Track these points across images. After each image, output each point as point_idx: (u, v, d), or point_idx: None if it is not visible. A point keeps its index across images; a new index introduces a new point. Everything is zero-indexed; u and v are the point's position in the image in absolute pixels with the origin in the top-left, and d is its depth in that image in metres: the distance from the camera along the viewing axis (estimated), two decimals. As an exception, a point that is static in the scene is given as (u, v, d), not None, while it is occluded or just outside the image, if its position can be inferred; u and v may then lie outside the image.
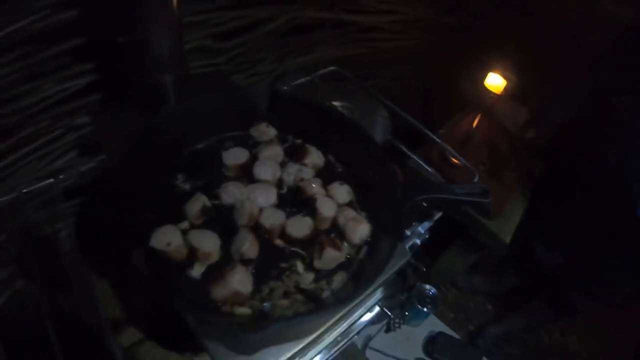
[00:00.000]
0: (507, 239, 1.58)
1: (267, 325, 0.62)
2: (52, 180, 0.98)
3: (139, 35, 0.92)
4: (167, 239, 0.73)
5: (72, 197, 1.30)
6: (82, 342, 1.03)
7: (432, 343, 1.86)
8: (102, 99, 1.20)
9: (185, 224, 0.80)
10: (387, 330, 1.80)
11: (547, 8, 1.84)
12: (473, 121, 1.81)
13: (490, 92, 1.81)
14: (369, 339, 1.76)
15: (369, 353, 1.74)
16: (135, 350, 1.30)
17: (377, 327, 1.71)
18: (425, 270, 1.38)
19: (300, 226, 0.78)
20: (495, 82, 1.81)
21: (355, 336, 0.95)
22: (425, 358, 1.85)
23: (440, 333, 1.89)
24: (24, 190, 0.96)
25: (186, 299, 0.70)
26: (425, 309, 1.74)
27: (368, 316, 0.89)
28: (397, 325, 1.79)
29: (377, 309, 0.91)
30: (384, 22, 1.83)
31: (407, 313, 1.73)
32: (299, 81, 1.30)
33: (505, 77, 1.79)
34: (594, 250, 1.63)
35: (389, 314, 1.01)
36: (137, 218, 0.77)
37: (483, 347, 1.91)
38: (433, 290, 1.78)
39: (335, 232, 0.82)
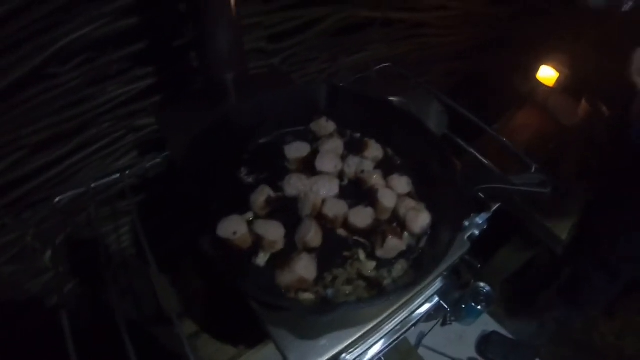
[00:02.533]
0: (564, 236, 1.53)
1: (333, 309, 0.65)
2: (118, 175, 1.05)
3: (202, 37, 0.97)
4: (234, 228, 0.77)
5: (137, 193, 1.39)
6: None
7: (485, 342, 1.83)
8: (161, 101, 1.27)
9: (249, 215, 0.84)
10: (443, 323, 1.78)
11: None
12: (527, 116, 1.77)
13: (542, 85, 1.77)
14: (422, 336, 1.75)
15: (421, 351, 1.74)
16: (192, 342, 1.36)
17: (430, 324, 1.71)
18: (480, 268, 1.36)
19: (362, 216, 0.81)
20: (547, 74, 1.77)
21: (413, 327, 0.96)
22: (478, 357, 1.82)
23: (494, 332, 1.86)
24: (93, 185, 1.03)
25: (254, 284, 0.74)
26: (479, 307, 1.72)
27: (427, 306, 0.90)
28: (452, 320, 1.78)
29: (435, 299, 0.92)
30: (433, 18, 1.82)
31: (462, 309, 1.71)
32: (354, 78, 1.33)
33: (557, 70, 1.75)
34: None
35: (446, 306, 1.02)
36: (203, 209, 0.82)
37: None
38: (487, 288, 1.76)
39: (396, 222, 0.84)
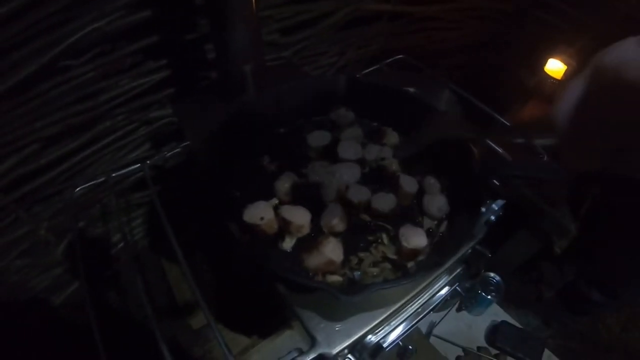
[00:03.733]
0: (571, 227, 1.55)
1: (362, 289, 0.67)
2: (138, 165, 1.05)
3: (222, 29, 0.98)
4: (261, 213, 0.79)
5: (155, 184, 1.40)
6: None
7: (494, 332, 1.85)
8: (176, 93, 1.28)
9: (274, 201, 0.86)
10: (459, 309, 1.79)
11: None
12: (535, 108, 1.79)
13: (550, 77, 1.78)
14: (433, 325, 1.77)
15: (432, 340, 1.75)
16: (205, 332, 1.37)
17: (441, 314, 1.72)
18: (490, 257, 1.37)
19: (385, 201, 0.83)
20: (555, 67, 1.79)
21: (431, 312, 0.98)
22: (488, 347, 1.84)
23: (503, 322, 1.87)
24: (113, 174, 1.04)
25: (283, 266, 0.76)
26: (489, 297, 1.73)
27: (446, 289, 0.92)
28: (465, 307, 1.79)
29: (456, 283, 0.94)
30: (441, 11, 1.84)
31: (472, 298, 1.73)
32: (367, 70, 1.35)
33: (565, 63, 1.76)
34: None
35: (461, 292, 1.04)
36: (228, 197, 0.84)
37: None
38: (497, 278, 1.77)
39: (416, 208, 0.86)
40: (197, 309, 1.47)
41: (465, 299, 1.78)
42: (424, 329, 1.74)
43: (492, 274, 1.78)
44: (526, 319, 1.95)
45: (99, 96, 1.14)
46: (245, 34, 0.99)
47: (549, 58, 1.77)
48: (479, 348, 1.82)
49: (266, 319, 1.12)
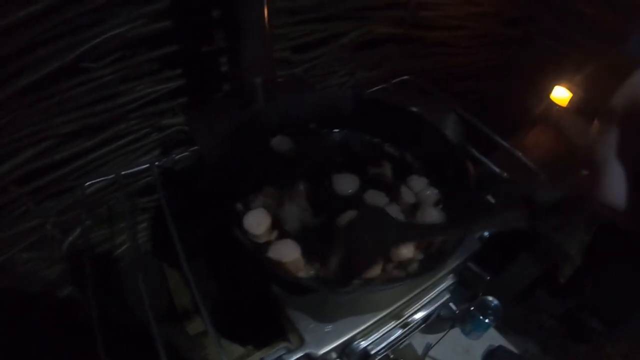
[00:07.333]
0: (572, 252, 1.56)
1: (350, 291, 0.70)
2: (147, 165, 1.10)
3: (236, 44, 1.03)
4: (259, 221, 0.82)
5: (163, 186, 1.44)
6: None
7: (491, 357, 1.84)
8: (189, 102, 1.33)
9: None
10: (452, 326, 1.79)
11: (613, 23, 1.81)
12: (539, 134, 1.82)
13: (556, 105, 1.81)
14: (429, 347, 1.76)
15: (427, 362, 1.75)
16: (200, 340, 1.39)
17: (438, 336, 1.72)
18: (489, 281, 1.38)
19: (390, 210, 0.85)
20: (561, 95, 1.81)
21: (423, 326, 1.00)
22: (484, 372, 1.83)
23: (500, 347, 1.86)
24: (123, 173, 1.09)
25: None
26: (486, 320, 1.73)
27: (437, 303, 0.94)
28: (461, 327, 1.79)
29: (447, 296, 0.96)
30: (452, 37, 1.89)
31: (469, 321, 1.73)
32: (373, 89, 1.39)
33: (571, 91, 1.79)
34: None
35: (455, 308, 1.05)
36: (229, 206, 0.87)
37: None
38: (496, 302, 1.77)
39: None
40: (195, 315, 1.49)
41: (462, 321, 1.79)
42: (419, 350, 1.73)
43: (490, 298, 1.79)
44: (524, 345, 1.94)
45: (115, 99, 1.19)
46: (257, 49, 1.04)
47: (555, 85, 1.80)
48: (474, 372, 1.81)
49: (263, 330, 1.14)
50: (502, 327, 1.95)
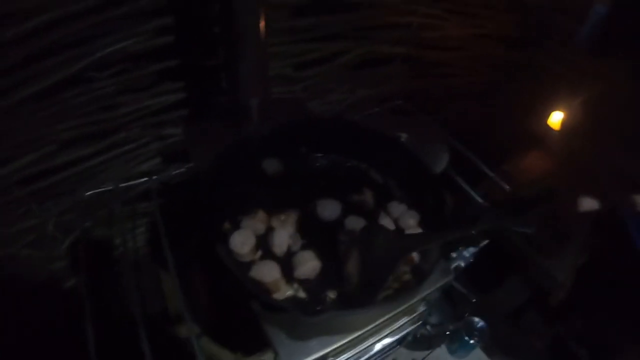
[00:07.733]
0: (560, 277, 1.55)
1: (318, 314, 0.74)
2: (146, 179, 1.15)
3: (231, 63, 1.07)
4: (244, 241, 0.87)
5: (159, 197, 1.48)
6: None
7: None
8: (187, 115, 1.36)
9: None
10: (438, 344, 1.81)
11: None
12: (536, 158, 1.83)
13: (551, 129, 1.82)
14: (414, 366, 1.79)
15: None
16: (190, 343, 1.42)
17: (423, 353, 1.75)
18: (475, 302, 1.41)
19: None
20: (558, 119, 1.82)
21: (398, 346, 1.03)
22: (468, 392, 1.85)
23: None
24: (121, 185, 1.13)
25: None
26: (472, 341, 1.75)
27: (410, 327, 0.97)
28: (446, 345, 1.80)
29: (419, 322, 0.99)
30: (452, 58, 1.91)
31: (455, 341, 1.75)
32: (368, 112, 1.42)
33: (565, 113, 1.79)
34: None
35: (429, 330, 1.08)
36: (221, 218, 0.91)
37: None
38: (482, 323, 1.79)
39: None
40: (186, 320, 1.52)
41: (450, 340, 1.81)
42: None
43: (476, 319, 1.80)
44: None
45: (117, 109, 1.22)
46: (253, 71, 1.07)
47: (553, 111, 1.81)
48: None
49: (252, 338, 1.17)
50: (490, 348, 1.96)
